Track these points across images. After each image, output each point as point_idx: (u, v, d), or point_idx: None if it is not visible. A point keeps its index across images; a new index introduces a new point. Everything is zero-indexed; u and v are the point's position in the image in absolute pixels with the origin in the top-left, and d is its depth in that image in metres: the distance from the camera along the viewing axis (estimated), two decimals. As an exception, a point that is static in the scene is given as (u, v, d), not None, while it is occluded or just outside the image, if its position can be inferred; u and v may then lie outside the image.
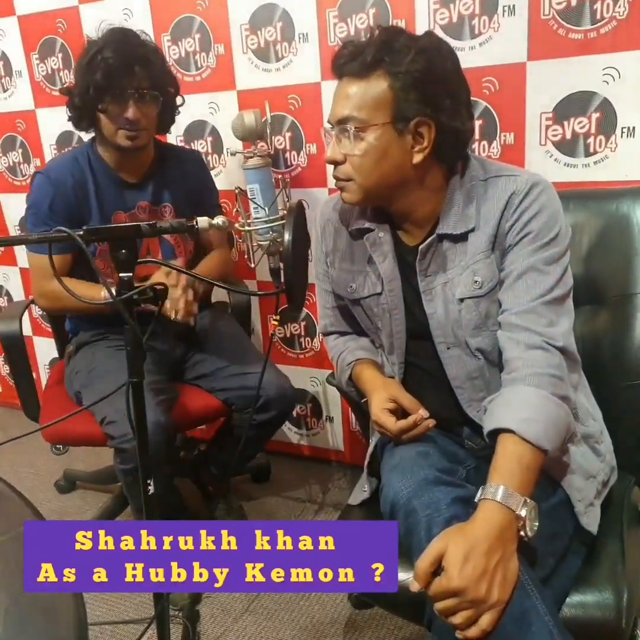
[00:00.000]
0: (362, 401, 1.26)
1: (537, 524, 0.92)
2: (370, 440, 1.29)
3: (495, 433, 0.98)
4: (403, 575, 1.04)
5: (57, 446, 2.42)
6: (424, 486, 1.00)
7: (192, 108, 2.06)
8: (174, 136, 2.12)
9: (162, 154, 1.77)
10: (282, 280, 1.04)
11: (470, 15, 1.66)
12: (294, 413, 2.30)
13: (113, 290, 1.00)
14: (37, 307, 1.96)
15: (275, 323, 1.16)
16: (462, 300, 1.12)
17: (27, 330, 2.74)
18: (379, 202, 1.17)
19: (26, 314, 2.68)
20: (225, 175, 2.11)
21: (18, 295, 2.73)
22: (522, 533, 0.90)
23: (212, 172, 2.04)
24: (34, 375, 2.78)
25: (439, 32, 1.69)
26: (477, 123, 1.71)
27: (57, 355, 2.06)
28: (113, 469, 2.15)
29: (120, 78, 1.56)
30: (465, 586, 0.84)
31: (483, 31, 1.66)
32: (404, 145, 1.07)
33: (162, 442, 1.51)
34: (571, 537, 1.04)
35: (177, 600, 1.67)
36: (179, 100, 1.74)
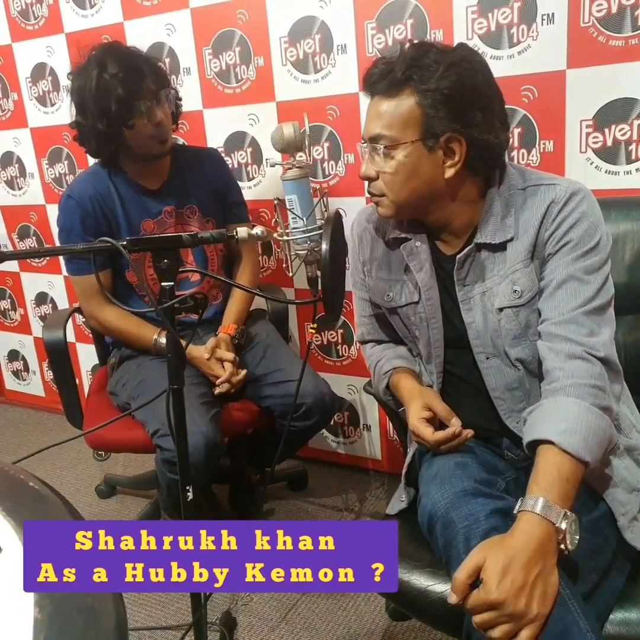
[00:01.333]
0: (400, 410, 1.26)
1: (577, 537, 0.90)
2: (408, 450, 1.28)
3: (535, 444, 0.97)
4: (441, 587, 1.04)
5: (99, 452, 2.46)
6: (463, 497, 0.99)
7: (232, 120, 2.10)
8: (215, 147, 2.15)
9: (177, 157, 1.78)
10: (320, 288, 1.05)
11: (508, 24, 1.65)
12: (331, 421, 2.30)
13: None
14: (81, 316, 1.99)
15: (313, 331, 1.16)
16: (501, 309, 1.11)
17: (70, 336, 2.80)
18: (414, 215, 1.18)
19: (70, 320, 2.77)
20: (265, 185, 2.13)
21: (62, 302, 2.80)
22: (562, 546, 0.89)
23: (251, 183, 2.07)
24: (77, 381, 2.85)
25: (477, 42, 1.69)
26: (517, 131, 1.69)
27: (98, 362, 2.10)
28: (152, 475, 2.20)
29: (138, 87, 1.57)
30: (503, 599, 0.83)
31: (522, 40, 1.64)
32: (435, 161, 1.08)
33: (208, 457, 1.52)
34: (614, 552, 1.01)
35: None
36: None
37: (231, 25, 2.02)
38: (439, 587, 1.05)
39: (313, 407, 1.67)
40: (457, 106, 1.04)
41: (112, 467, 2.48)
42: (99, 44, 1.65)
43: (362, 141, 1.14)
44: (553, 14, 1.59)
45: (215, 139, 2.15)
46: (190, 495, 1.15)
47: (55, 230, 2.65)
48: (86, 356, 2.80)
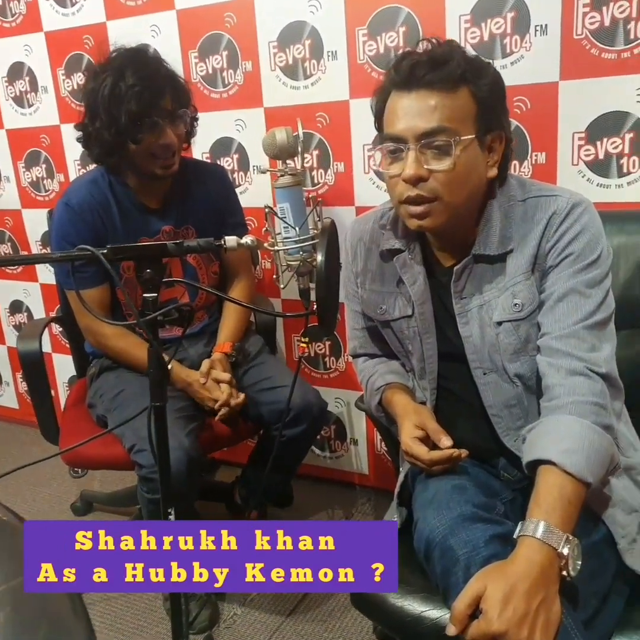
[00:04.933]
0: (392, 427, 1.23)
1: (579, 562, 0.87)
2: (401, 468, 1.24)
3: (535, 464, 0.94)
4: (436, 613, 1.00)
5: (76, 469, 2.39)
6: (461, 523, 0.96)
7: (218, 125, 2.07)
8: (200, 153, 2.12)
9: (183, 174, 1.70)
10: (313, 300, 1.01)
11: (501, 34, 1.64)
12: (322, 429, 2.26)
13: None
14: (57, 325, 1.94)
15: (304, 345, 1.12)
16: (499, 323, 1.08)
17: (46, 347, 2.73)
18: (455, 226, 1.09)
19: (46, 330, 2.70)
20: (252, 192, 2.10)
21: (39, 311, 2.73)
22: (564, 572, 0.86)
23: (238, 190, 2.03)
24: (53, 393, 2.77)
25: (470, 51, 1.64)
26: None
27: (76, 373, 2.04)
28: (130, 491, 2.14)
29: (154, 106, 1.50)
30: (505, 629, 0.80)
31: (515, 50, 1.63)
32: (484, 160, 1.07)
33: (190, 474, 1.47)
34: (614, 575, 0.99)
35: (195, 624, 1.64)
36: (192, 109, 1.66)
37: (218, 29, 1.99)
38: (433, 613, 1.01)
39: (301, 413, 1.62)
40: (501, 103, 1.07)
41: (88, 483, 2.41)
42: (123, 47, 1.57)
43: (385, 142, 1.06)
44: (546, 25, 1.58)
45: (201, 145, 2.11)
46: (172, 517, 1.10)
47: (32, 236, 2.61)
48: (62, 368, 2.73)
